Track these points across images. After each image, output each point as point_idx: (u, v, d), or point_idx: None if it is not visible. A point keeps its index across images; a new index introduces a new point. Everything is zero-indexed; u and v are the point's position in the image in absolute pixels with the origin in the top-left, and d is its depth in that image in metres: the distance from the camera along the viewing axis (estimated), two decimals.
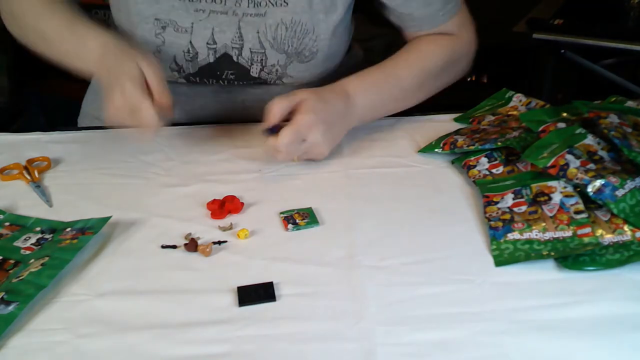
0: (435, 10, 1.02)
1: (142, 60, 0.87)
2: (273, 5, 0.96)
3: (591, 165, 0.79)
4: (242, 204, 0.82)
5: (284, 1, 0.96)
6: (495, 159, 0.88)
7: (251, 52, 1.00)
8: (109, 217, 0.79)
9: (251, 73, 1.02)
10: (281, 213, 0.81)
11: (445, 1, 1.02)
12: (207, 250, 0.74)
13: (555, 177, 0.80)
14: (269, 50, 0.99)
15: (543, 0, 1.98)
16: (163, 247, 0.76)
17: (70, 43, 0.95)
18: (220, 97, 1.07)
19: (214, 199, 0.82)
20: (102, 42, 0.91)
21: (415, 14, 1.02)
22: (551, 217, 0.75)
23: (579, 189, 0.78)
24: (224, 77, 1.03)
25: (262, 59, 1.01)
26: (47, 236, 0.77)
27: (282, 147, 0.85)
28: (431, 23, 1.03)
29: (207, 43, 0.99)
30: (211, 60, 1.01)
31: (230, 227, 0.79)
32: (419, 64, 1.02)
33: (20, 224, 0.80)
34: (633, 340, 0.62)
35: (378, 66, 1.00)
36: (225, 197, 0.83)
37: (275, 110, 0.87)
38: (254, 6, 0.97)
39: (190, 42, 0.98)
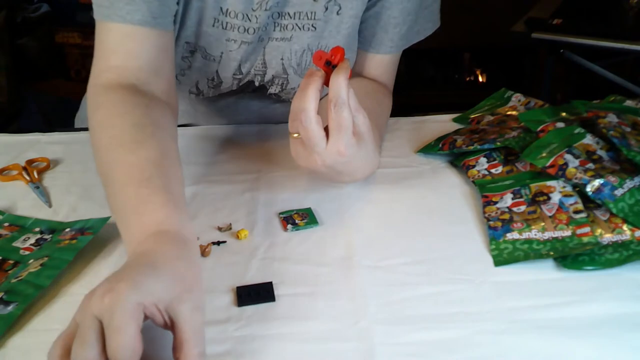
0: (401, 35, 0.96)
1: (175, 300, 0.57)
2: (300, 29, 0.91)
3: (590, 165, 0.79)
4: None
5: (312, 25, 0.91)
6: (494, 159, 0.88)
7: (273, 77, 0.97)
8: (108, 217, 0.79)
9: (269, 92, 1.00)
10: (280, 213, 0.81)
11: (408, 33, 0.97)
12: (207, 250, 0.74)
13: (554, 177, 0.80)
14: (292, 76, 0.97)
15: (542, 0, 1.98)
16: None
17: (124, 210, 0.68)
18: (220, 104, 1.06)
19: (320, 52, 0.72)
20: (140, 247, 0.61)
21: (392, 32, 0.95)
22: (550, 216, 0.76)
23: (578, 189, 0.78)
24: (241, 94, 1.02)
25: (282, 83, 0.98)
26: (46, 236, 0.77)
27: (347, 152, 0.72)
28: (399, 45, 0.97)
29: (234, 74, 0.95)
30: (234, 87, 0.98)
31: (230, 227, 0.79)
32: (385, 114, 1.00)
33: (20, 225, 0.80)
34: (633, 340, 0.62)
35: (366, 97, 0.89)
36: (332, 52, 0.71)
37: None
38: (280, 30, 0.91)
39: (217, 71, 0.95)
